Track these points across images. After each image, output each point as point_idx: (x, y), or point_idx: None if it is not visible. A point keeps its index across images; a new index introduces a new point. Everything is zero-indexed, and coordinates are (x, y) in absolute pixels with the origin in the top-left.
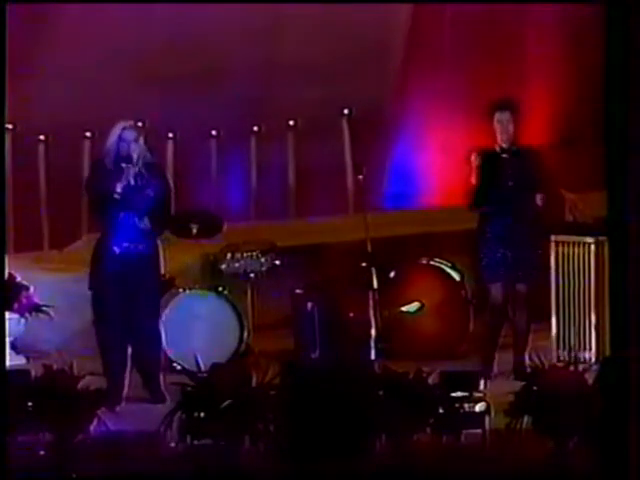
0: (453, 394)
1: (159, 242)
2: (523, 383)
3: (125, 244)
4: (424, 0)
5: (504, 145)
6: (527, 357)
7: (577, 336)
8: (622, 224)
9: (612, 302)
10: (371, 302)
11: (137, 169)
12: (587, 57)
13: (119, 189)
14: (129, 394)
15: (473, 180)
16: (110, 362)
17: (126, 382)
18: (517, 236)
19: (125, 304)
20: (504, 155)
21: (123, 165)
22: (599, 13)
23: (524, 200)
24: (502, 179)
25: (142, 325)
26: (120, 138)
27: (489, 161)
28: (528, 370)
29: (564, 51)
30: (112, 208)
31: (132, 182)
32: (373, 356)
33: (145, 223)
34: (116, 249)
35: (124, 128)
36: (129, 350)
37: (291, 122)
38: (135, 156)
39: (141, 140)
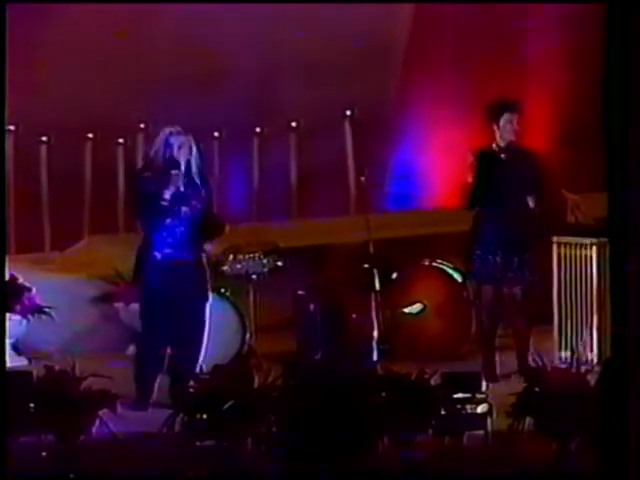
0: (455, 395)
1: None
2: (525, 384)
3: (169, 251)
4: (426, 0)
5: (502, 145)
6: (530, 359)
7: (579, 337)
8: (623, 225)
9: (613, 303)
10: (373, 303)
11: (187, 177)
12: (588, 58)
13: (167, 196)
14: (131, 396)
15: (469, 179)
16: (147, 366)
17: (156, 387)
18: (513, 238)
19: (170, 310)
20: (502, 155)
21: (172, 172)
22: (599, 13)
23: (521, 201)
24: (500, 179)
25: (186, 332)
26: (166, 143)
27: (487, 161)
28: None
29: (566, 52)
30: (159, 215)
31: (181, 189)
32: (375, 357)
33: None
34: (158, 255)
35: (170, 133)
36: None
37: (293, 123)
38: (183, 162)
39: (194, 148)
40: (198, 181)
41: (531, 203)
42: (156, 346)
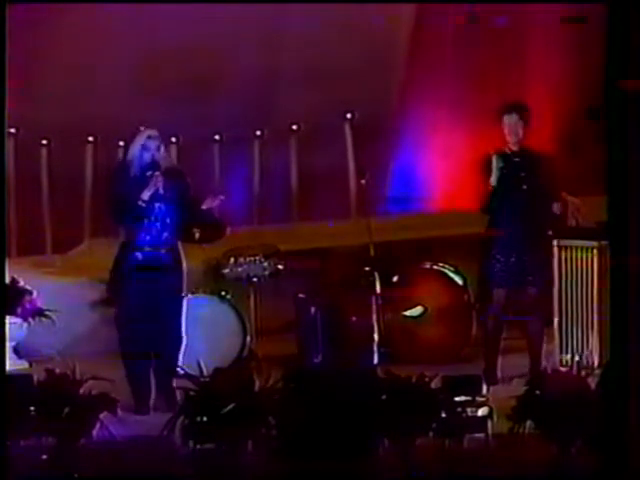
0: (456, 398)
1: (181, 247)
2: (526, 387)
3: (148, 250)
4: (427, 1)
5: (514, 148)
6: (543, 362)
7: (580, 340)
8: (623, 228)
9: (613, 306)
10: (374, 306)
11: (164, 176)
12: (588, 60)
13: (145, 197)
14: (132, 399)
15: (491, 182)
16: (134, 368)
17: (152, 389)
18: (529, 240)
19: (149, 310)
20: (516, 159)
21: (148, 173)
22: (601, 14)
23: (537, 204)
24: (515, 183)
25: (165, 330)
26: (143, 147)
27: (500, 164)
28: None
29: (566, 54)
30: (136, 215)
31: (161, 190)
32: (376, 360)
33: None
34: (139, 255)
35: (148, 137)
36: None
37: (294, 126)
38: (162, 163)
39: (162, 147)
40: (170, 178)
41: (556, 210)
42: (143, 346)
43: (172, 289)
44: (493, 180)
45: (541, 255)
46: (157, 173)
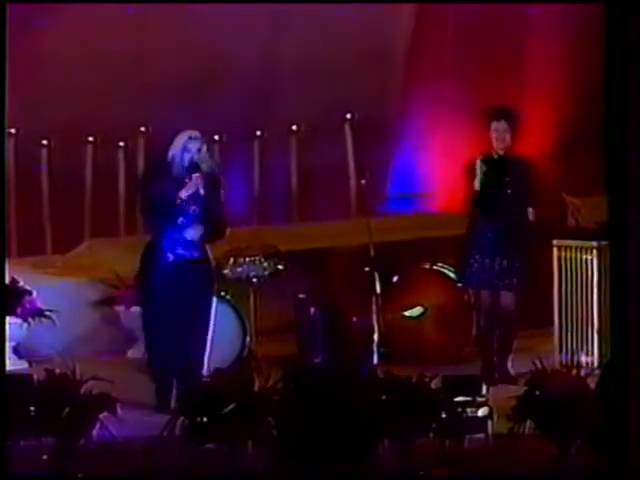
0: (456, 399)
1: (208, 249)
2: (526, 388)
3: (178, 250)
4: (426, 1)
5: (501, 153)
6: (509, 365)
7: (579, 341)
8: (623, 228)
9: (613, 306)
10: (374, 307)
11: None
12: (589, 61)
13: (184, 196)
14: (132, 399)
15: (476, 185)
16: (162, 368)
17: (174, 389)
18: (509, 244)
19: (177, 311)
20: (502, 163)
21: (194, 175)
22: (599, 14)
23: (520, 209)
24: (499, 186)
25: (193, 332)
26: (184, 148)
27: (484, 168)
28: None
29: (566, 55)
30: (172, 214)
31: (201, 191)
32: (376, 361)
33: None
34: (171, 256)
35: (189, 137)
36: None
37: (294, 127)
38: (203, 165)
39: (204, 150)
40: (209, 182)
41: (530, 216)
42: (168, 347)
43: (201, 291)
44: (477, 184)
45: (520, 260)
46: (197, 174)
